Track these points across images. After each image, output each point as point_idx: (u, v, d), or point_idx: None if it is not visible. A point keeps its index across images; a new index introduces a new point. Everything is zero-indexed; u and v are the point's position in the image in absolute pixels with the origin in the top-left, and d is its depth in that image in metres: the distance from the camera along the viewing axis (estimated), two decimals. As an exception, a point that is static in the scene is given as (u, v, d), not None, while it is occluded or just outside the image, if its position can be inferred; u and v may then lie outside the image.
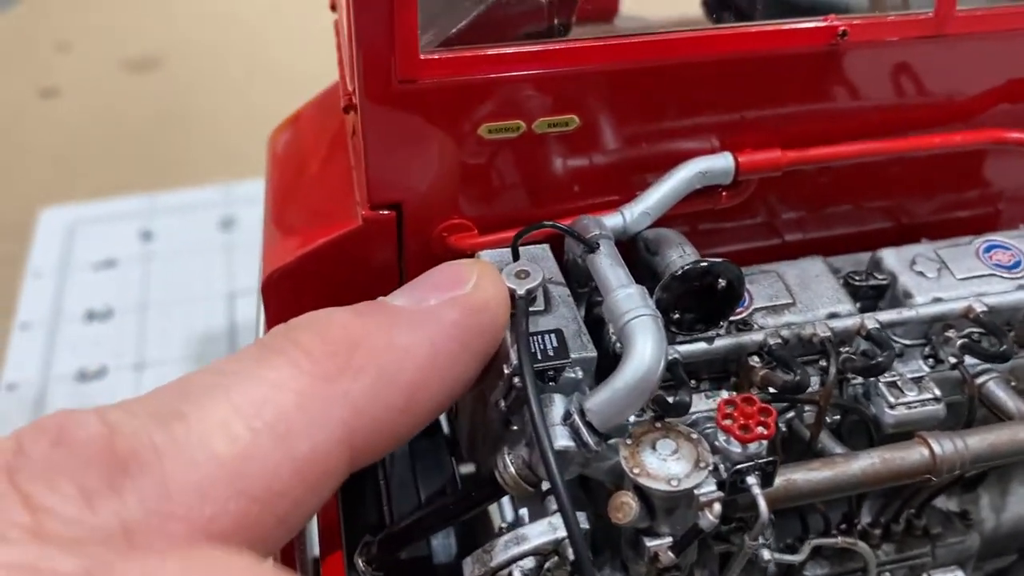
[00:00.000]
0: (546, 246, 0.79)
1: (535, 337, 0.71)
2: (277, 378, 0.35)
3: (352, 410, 0.35)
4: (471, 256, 0.80)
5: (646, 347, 0.65)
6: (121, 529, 0.31)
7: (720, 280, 0.70)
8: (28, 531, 0.29)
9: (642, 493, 0.65)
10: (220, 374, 0.36)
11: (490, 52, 0.71)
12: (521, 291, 0.72)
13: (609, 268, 0.72)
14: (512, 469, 0.67)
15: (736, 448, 0.64)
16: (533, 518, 0.70)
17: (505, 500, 0.88)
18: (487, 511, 0.87)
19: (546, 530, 0.66)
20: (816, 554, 0.84)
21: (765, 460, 0.64)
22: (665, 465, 0.64)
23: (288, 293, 0.82)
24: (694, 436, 0.66)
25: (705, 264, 0.70)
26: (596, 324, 0.78)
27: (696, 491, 0.63)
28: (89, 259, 2.00)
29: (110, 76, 2.66)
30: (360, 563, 0.73)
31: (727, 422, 0.64)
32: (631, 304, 0.68)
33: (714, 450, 0.66)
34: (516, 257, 0.76)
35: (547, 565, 0.67)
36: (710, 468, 0.64)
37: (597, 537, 0.80)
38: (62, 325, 1.84)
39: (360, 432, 0.35)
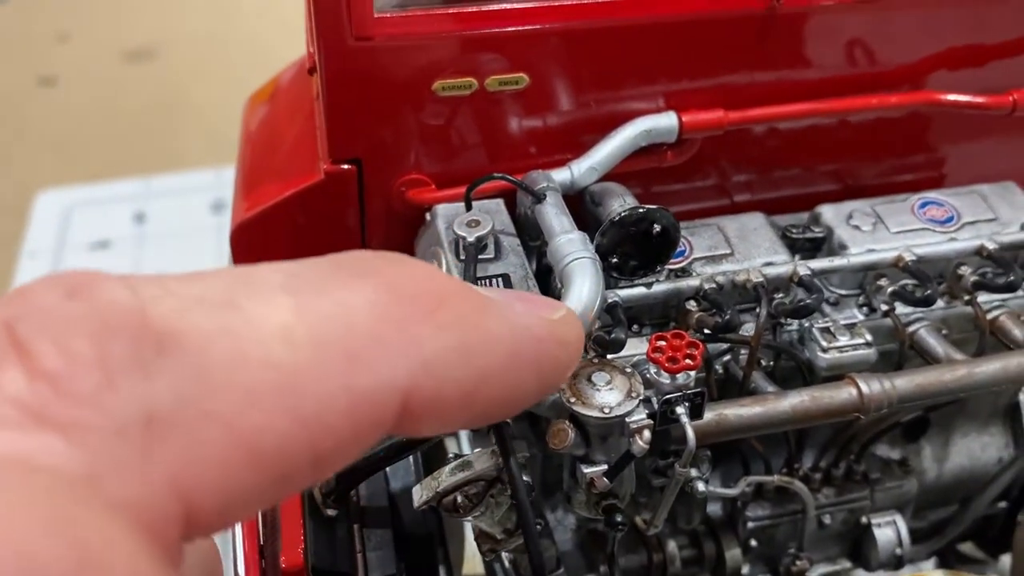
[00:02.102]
0: (500, 200, 0.84)
1: (483, 281, 0.75)
2: (351, 299, 0.29)
3: (421, 363, 0.30)
4: (428, 209, 0.84)
5: (583, 286, 0.69)
6: (143, 418, 0.25)
7: (655, 225, 0.74)
8: (22, 407, 0.23)
9: (578, 421, 0.69)
10: (286, 274, 0.30)
11: (440, 12, 0.75)
12: (471, 238, 0.77)
13: (554, 216, 0.76)
14: (459, 402, 0.71)
15: (665, 379, 0.68)
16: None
17: (463, 438, 0.93)
18: (446, 451, 0.91)
19: (489, 457, 0.70)
20: (758, 496, 0.88)
21: (693, 391, 0.68)
22: (599, 395, 0.68)
23: (255, 245, 0.86)
24: (628, 370, 0.70)
25: (642, 210, 0.74)
26: (546, 273, 0.82)
27: (627, 419, 0.67)
28: (84, 240, 2.05)
29: (108, 65, 2.72)
30: (318, 496, 0.77)
31: (656, 355, 0.68)
32: (572, 248, 0.72)
33: (647, 384, 0.70)
34: (469, 208, 0.81)
35: (491, 491, 0.71)
36: (641, 398, 0.68)
37: (548, 479, 0.85)
38: (56, 303, 1.88)
39: (420, 392, 0.30)
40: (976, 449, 0.97)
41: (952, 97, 0.89)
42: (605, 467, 0.70)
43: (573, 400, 0.69)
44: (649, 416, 0.68)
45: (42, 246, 2.03)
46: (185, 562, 0.27)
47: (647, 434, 0.67)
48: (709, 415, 0.72)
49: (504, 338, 0.34)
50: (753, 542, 0.88)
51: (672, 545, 0.87)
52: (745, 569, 0.90)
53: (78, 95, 2.58)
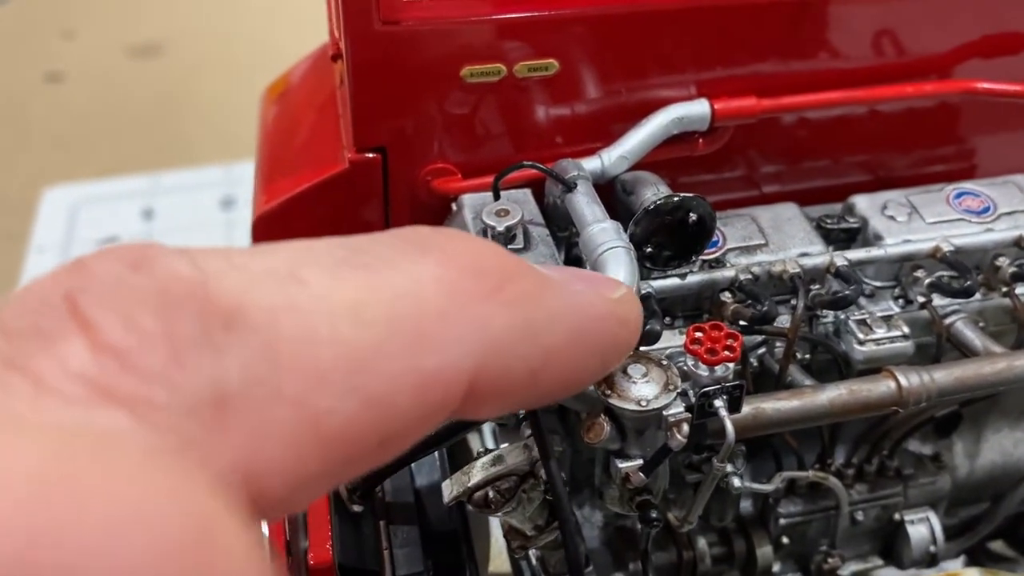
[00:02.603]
0: (527, 190, 0.82)
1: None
2: (420, 274, 0.28)
3: (489, 342, 0.29)
4: (454, 199, 0.82)
5: (618, 277, 0.67)
6: (212, 397, 0.24)
7: (691, 214, 0.72)
8: (88, 382, 0.22)
9: (613, 415, 0.67)
10: (350, 249, 0.29)
11: (471, -5, 0.73)
12: (500, 228, 0.75)
13: (586, 206, 0.74)
14: (489, 395, 0.69)
15: (703, 371, 0.66)
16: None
17: (487, 434, 0.91)
18: (470, 448, 0.89)
19: (522, 451, 0.69)
20: (790, 492, 0.86)
21: (732, 384, 0.67)
22: (635, 387, 0.67)
23: (276, 237, 0.84)
24: (664, 362, 0.68)
25: (677, 199, 0.72)
26: (576, 264, 0.80)
27: (664, 412, 0.66)
28: (91, 236, 2.03)
29: (114, 62, 2.70)
30: (344, 492, 0.75)
31: (695, 346, 0.66)
32: (605, 237, 0.70)
33: (684, 376, 0.68)
34: (497, 197, 0.79)
35: (523, 486, 0.69)
36: (678, 391, 0.66)
37: (577, 475, 0.83)
38: (65, 300, 1.87)
39: (487, 371, 0.28)
40: (1008, 445, 0.96)
41: (988, 85, 0.87)
42: (641, 462, 0.69)
43: (608, 393, 0.67)
44: (687, 409, 0.66)
45: (50, 242, 2.02)
46: None
47: (685, 428, 0.65)
48: (746, 409, 0.70)
49: (567, 316, 0.33)
50: (784, 539, 0.87)
51: (702, 542, 0.85)
52: (776, 567, 0.88)
53: (85, 91, 2.57)
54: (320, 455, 0.26)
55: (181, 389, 0.23)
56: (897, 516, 0.88)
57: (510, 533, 0.74)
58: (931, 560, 0.89)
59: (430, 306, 0.28)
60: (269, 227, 0.83)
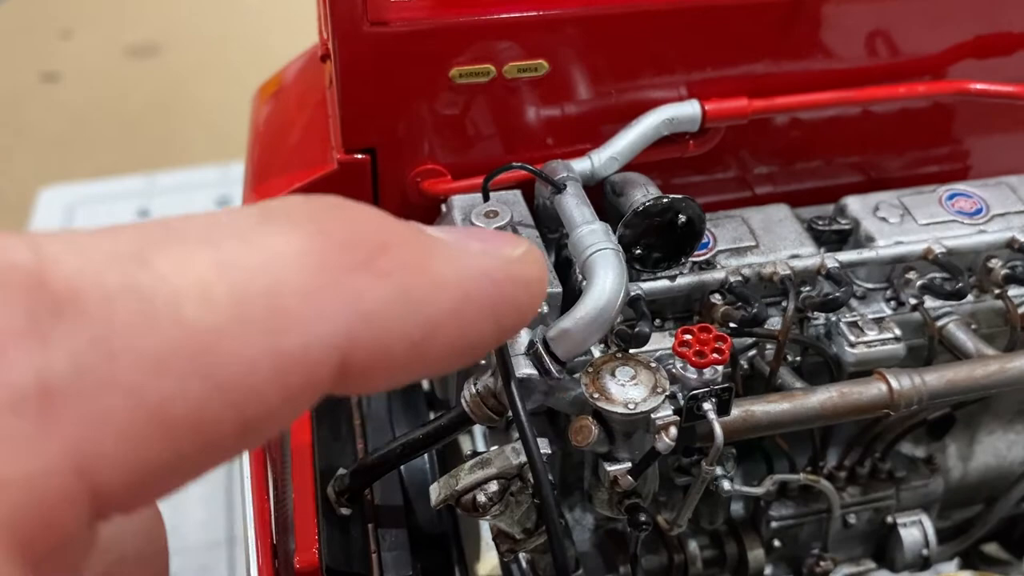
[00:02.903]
0: (517, 192, 0.81)
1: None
2: (282, 248, 0.27)
3: (360, 317, 0.28)
4: (444, 200, 0.82)
5: (607, 279, 0.67)
6: (39, 389, 0.23)
7: (680, 216, 0.72)
8: None
9: (601, 417, 0.67)
10: (207, 224, 0.28)
11: (459, -5, 0.73)
12: (489, 229, 0.75)
13: (575, 207, 0.74)
14: (478, 398, 0.69)
15: (692, 374, 0.66)
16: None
17: (478, 437, 0.91)
18: (460, 450, 0.89)
19: (509, 455, 0.68)
20: (781, 494, 0.86)
21: (720, 387, 0.66)
22: (623, 390, 0.66)
23: (266, 237, 0.84)
24: (653, 365, 0.68)
25: (666, 200, 0.72)
26: (565, 266, 0.80)
27: (652, 415, 0.65)
28: (87, 236, 2.03)
29: (111, 62, 2.70)
30: (333, 494, 0.75)
31: (683, 348, 0.66)
32: (594, 239, 0.70)
33: (673, 379, 0.68)
34: (486, 198, 0.78)
35: (511, 489, 0.69)
36: (667, 393, 0.66)
37: (567, 478, 0.83)
38: (60, 300, 1.86)
39: (360, 348, 0.28)
40: (1002, 448, 0.95)
41: (981, 86, 0.87)
42: (629, 465, 0.68)
43: (596, 396, 0.66)
44: (675, 412, 0.66)
45: (45, 243, 2.01)
46: (121, 535, 0.27)
47: (673, 431, 0.65)
48: (736, 412, 0.70)
49: (453, 283, 0.31)
50: (776, 542, 0.86)
51: (693, 545, 0.85)
52: (767, 570, 0.87)
53: (81, 91, 2.56)
54: (167, 443, 0.25)
55: (3, 383, 0.22)
56: (890, 519, 0.88)
57: (499, 536, 0.73)
58: (924, 563, 0.89)
59: (289, 282, 0.27)
60: (258, 228, 0.82)
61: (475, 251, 0.33)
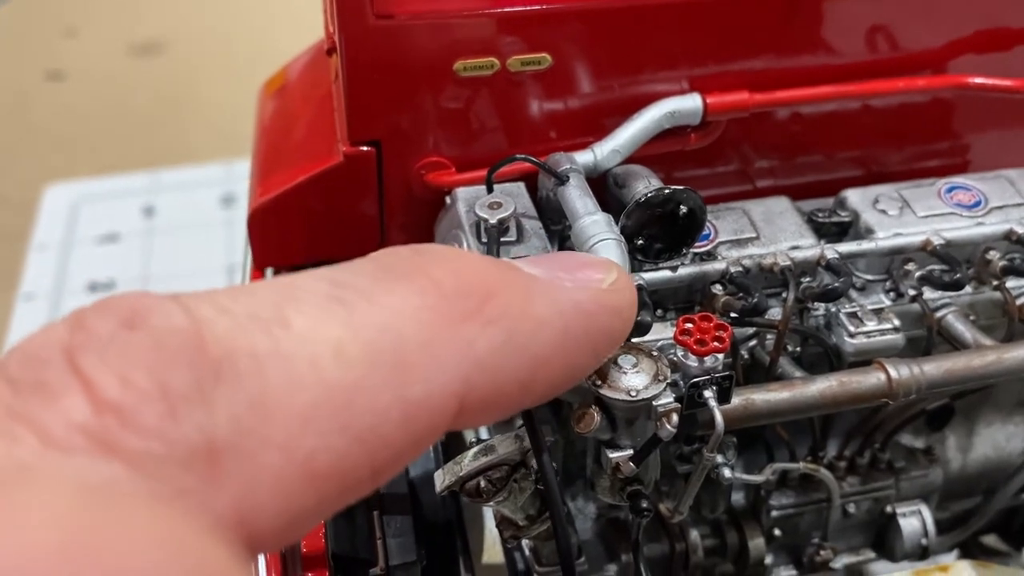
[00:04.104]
0: (521, 184, 0.82)
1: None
2: (400, 305, 0.29)
3: (474, 363, 0.30)
4: (448, 193, 0.83)
5: (609, 268, 0.68)
6: (206, 448, 0.25)
7: (681, 207, 0.73)
8: (90, 436, 0.23)
9: (603, 405, 0.68)
10: (335, 284, 0.30)
11: (464, -11, 0.74)
12: (493, 220, 0.75)
13: (578, 198, 0.75)
14: (481, 386, 0.70)
15: (693, 362, 0.67)
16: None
17: (481, 428, 0.92)
18: (463, 438, 0.90)
19: (513, 441, 0.69)
20: (782, 484, 0.87)
21: (721, 375, 0.67)
22: (625, 378, 0.67)
23: (273, 229, 0.85)
24: (654, 353, 0.69)
25: (667, 191, 0.72)
26: (568, 257, 0.81)
27: (654, 402, 0.66)
28: (92, 233, 2.04)
29: (116, 60, 2.71)
30: None
31: (684, 337, 0.67)
32: (596, 229, 0.71)
33: (674, 367, 0.69)
34: (490, 190, 0.79)
35: (515, 475, 0.70)
36: (668, 381, 0.67)
37: (569, 466, 0.84)
38: (65, 296, 1.88)
39: (476, 391, 0.30)
40: (1001, 439, 0.96)
41: (981, 80, 0.88)
42: (631, 452, 0.69)
43: (599, 383, 0.67)
44: (677, 399, 0.67)
45: (51, 240, 2.02)
46: None
47: (675, 418, 0.66)
48: (736, 400, 0.71)
49: (554, 320, 0.33)
50: (777, 531, 0.87)
51: (694, 534, 0.86)
52: (768, 559, 0.88)
53: (86, 89, 2.58)
54: (313, 492, 0.27)
55: (176, 442, 0.24)
56: (889, 509, 0.89)
57: (502, 523, 0.74)
58: (923, 553, 0.90)
59: (411, 337, 0.29)
60: (264, 221, 0.83)
61: (569, 287, 0.35)
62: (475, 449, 0.70)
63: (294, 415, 0.26)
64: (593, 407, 0.68)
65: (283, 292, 0.29)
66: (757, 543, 0.87)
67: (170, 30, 2.79)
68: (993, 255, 0.82)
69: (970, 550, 1.03)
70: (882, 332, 0.78)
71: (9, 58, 2.72)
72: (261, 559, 0.73)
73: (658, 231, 0.75)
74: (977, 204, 0.85)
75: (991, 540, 1.05)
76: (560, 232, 0.83)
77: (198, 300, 0.27)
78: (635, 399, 0.66)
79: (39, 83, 2.62)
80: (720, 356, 0.67)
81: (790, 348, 0.79)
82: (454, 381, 0.30)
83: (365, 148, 0.81)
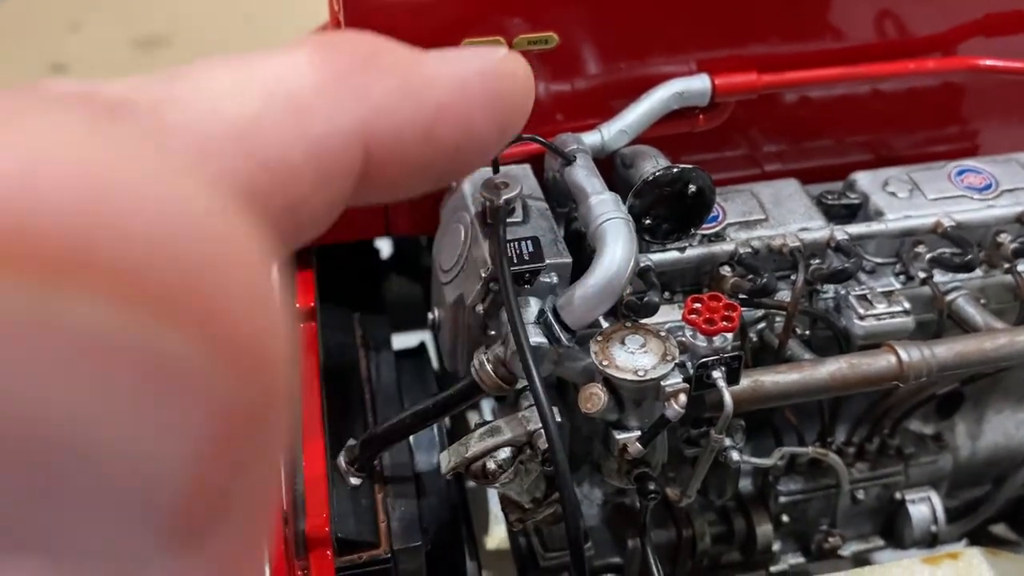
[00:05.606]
0: (527, 165, 0.82)
1: (512, 243, 0.73)
2: (293, 61, 0.30)
3: (371, 108, 0.30)
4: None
5: (616, 247, 0.67)
6: None
7: (690, 186, 0.72)
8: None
9: (611, 385, 0.67)
10: (230, 54, 0.30)
11: (470, -34, 0.73)
12: (500, 200, 0.75)
13: (585, 178, 0.74)
14: (488, 367, 0.69)
15: (701, 342, 0.66)
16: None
17: (486, 412, 0.91)
18: (468, 423, 0.89)
19: (520, 422, 0.68)
20: (790, 470, 0.86)
21: (729, 355, 0.66)
22: (633, 358, 0.66)
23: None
24: (662, 333, 0.68)
25: (676, 170, 0.72)
26: (575, 239, 0.80)
27: (662, 382, 0.65)
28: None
29: (119, 54, 2.70)
30: (343, 464, 0.75)
31: (693, 316, 0.66)
32: (604, 208, 0.70)
33: (683, 348, 0.68)
34: (496, 171, 0.78)
35: (521, 457, 0.69)
36: (676, 361, 0.66)
37: (576, 452, 0.83)
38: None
39: (378, 136, 0.30)
40: (1010, 427, 0.95)
41: (990, 62, 0.87)
42: (638, 433, 0.68)
43: (606, 363, 0.67)
44: (685, 380, 0.66)
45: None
46: None
47: (683, 398, 0.65)
48: (745, 382, 0.70)
49: (447, 75, 0.32)
50: (785, 517, 0.86)
51: (702, 521, 0.85)
52: (776, 545, 0.87)
53: (90, 83, 2.57)
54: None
55: None
56: (898, 495, 0.88)
57: (508, 506, 0.74)
58: (932, 540, 0.89)
59: (305, 81, 0.29)
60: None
61: (457, 55, 0.38)
62: (480, 430, 0.70)
63: (196, 143, 0.26)
64: (600, 387, 0.67)
65: (178, 67, 0.29)
66: (765, 529, 0.86)
67: (173, 24, 2.79)
68: (1004, 238, 0.81)
69: (979, 539, 1.02)
70: (892, 315, 0.77)
71: (12, 52, 2.72)
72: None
73: (666, 211, 0.74)
74: (988, 187, 0.84)
75: (1000, 529, 1.04)
76: (566, 214, 0.82)
77: (94, 81, 0.28)
78: (643, 379, 0.65)
79: (43, 76, 2.61)
80: (729, 336, 0.67)
81: (799, 331, 0.78)
82: (354, 121, 0.30)
83: (370, 129, 0.80)
